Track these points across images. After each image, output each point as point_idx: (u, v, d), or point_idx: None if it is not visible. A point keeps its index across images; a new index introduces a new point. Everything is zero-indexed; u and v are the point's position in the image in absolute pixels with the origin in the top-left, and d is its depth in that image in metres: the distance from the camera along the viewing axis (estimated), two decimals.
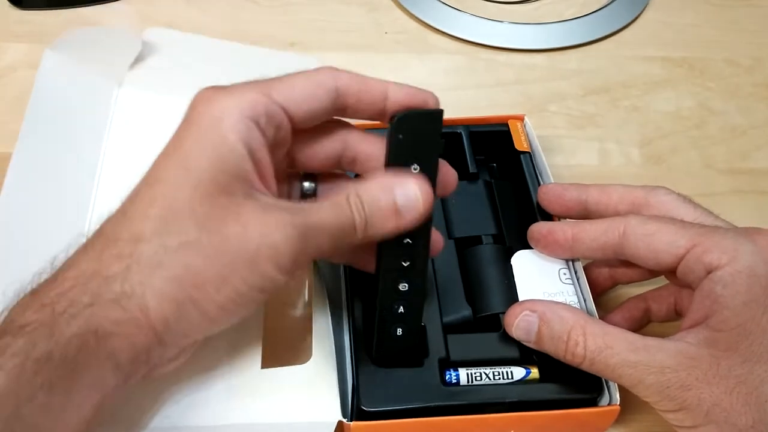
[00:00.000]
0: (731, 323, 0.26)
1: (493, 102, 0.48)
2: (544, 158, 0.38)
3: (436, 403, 0.30)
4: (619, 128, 0.47)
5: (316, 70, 0.27)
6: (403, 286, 0.29)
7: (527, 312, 0.29)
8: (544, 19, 0.54)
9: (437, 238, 0.31)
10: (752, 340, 0.26)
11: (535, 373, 0.31)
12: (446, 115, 0.36)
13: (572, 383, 0.30)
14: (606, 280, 0.34)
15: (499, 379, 0.31)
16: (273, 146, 0.26)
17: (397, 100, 0.27)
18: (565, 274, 0.33)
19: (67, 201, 0.37)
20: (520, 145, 0.39)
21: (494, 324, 0.32)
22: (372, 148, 0.29)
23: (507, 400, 0.30)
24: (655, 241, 0.29)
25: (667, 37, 0.53)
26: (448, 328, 0.32)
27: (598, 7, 0.54)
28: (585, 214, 0.34)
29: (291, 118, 0.26)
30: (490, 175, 0.40)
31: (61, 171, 0.37)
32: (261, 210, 0.24)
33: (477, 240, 0.35)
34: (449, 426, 0.30)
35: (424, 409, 0.30)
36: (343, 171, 0.31)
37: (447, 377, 0.31)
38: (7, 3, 0.52)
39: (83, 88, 0.41)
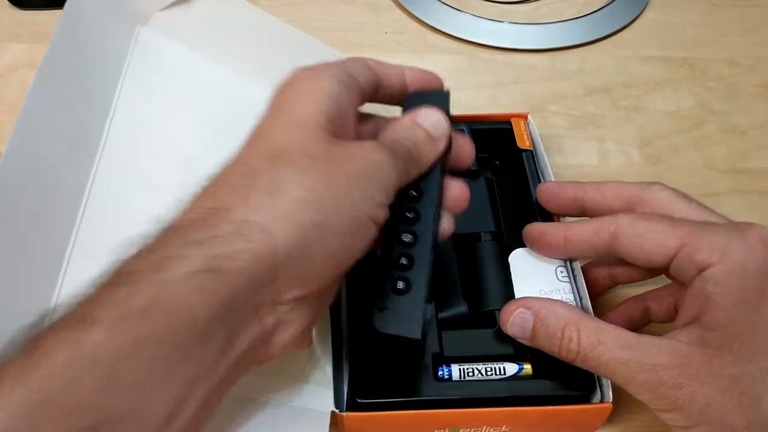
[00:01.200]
0: (723, 322, 0.26)
1: (493, 102, 0.48)
2: (545, 156, 0.38)
3: (428, 397, 0.30)
4: (619, 128, 0.47)
5: (353, 58, 0.29)
6: (407, 237, 0.28)
7: (522, 309, 0.29)
8: (544, 19, 0.54)
9: (461, 189, 0.30)
10: (744, 338, 0.26)
11: (528, 369, 0.31)
12: None
13: (565, 380, 0.30)
14: (605, 280, 0.34)
15: (492, 374, 0.31)
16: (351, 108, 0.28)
17: (413, 78, 0.31)
18: (562, 272, 0.33)
19: (78, 139, 0.35)
20: (522, 143, 0.39)
21: (490, 320, 0.33)
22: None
23: (498, 396, 0.30)
24: (645, 242, 0.29)
25: (667, 37, 0.53)
26: (444, 323, 0.33)
27: (598, 7, 0.54)
28: (582, 211, 0.34)
29: (362, 89, 0.28)
30: (492, 172, 0.40)
31: (75, 108, 0.36)
32: (357, 141, 0.26)
33: (476, 237, 0.35)
34: (441, 419, 0.30)
35: (415, 402, 0.30)
36: None
37: (440, 373, 0.31)
38: (7, 3, 0.52)
39: (109, 20, 0.39)
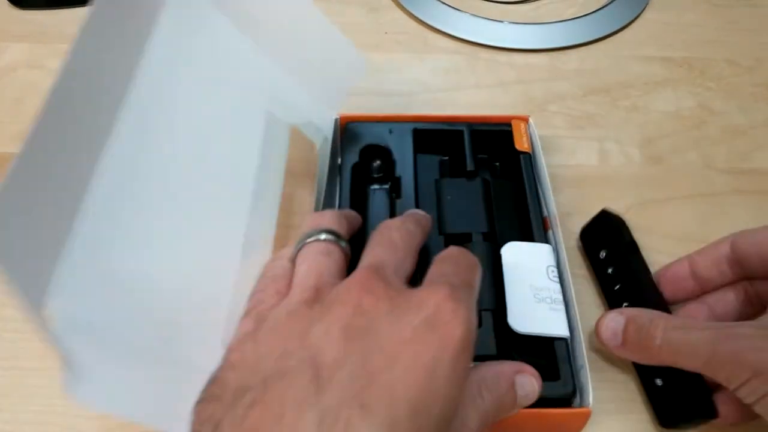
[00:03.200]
0: None
1: (493, 102, 0.48)
2: (543, 160, 0.38)
3: None
4: (619, 128, 0.47)
5: None
6: None
7: (615, 314, 0.32)
8: (544, 19, 0.54)
9: None
10: None
11: None
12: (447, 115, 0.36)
13: (547, 383, 0.30)
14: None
15: None
16: None
17: None
18: (552, 272, 0.33)
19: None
20: (520, 145, 0.39)
21: (479, 320, 0.32)
22: None
23: None
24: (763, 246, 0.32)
25: (667, 37, 0.53)
26: None
27: (598, 7, 0.54)
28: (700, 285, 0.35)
29: None
30: (492, 173, 0.40)
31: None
32: None
33: (467, 237, 0.35)
34: None
35: None
36: None
37: None
38: (7, 3, 0.52)
39: None
